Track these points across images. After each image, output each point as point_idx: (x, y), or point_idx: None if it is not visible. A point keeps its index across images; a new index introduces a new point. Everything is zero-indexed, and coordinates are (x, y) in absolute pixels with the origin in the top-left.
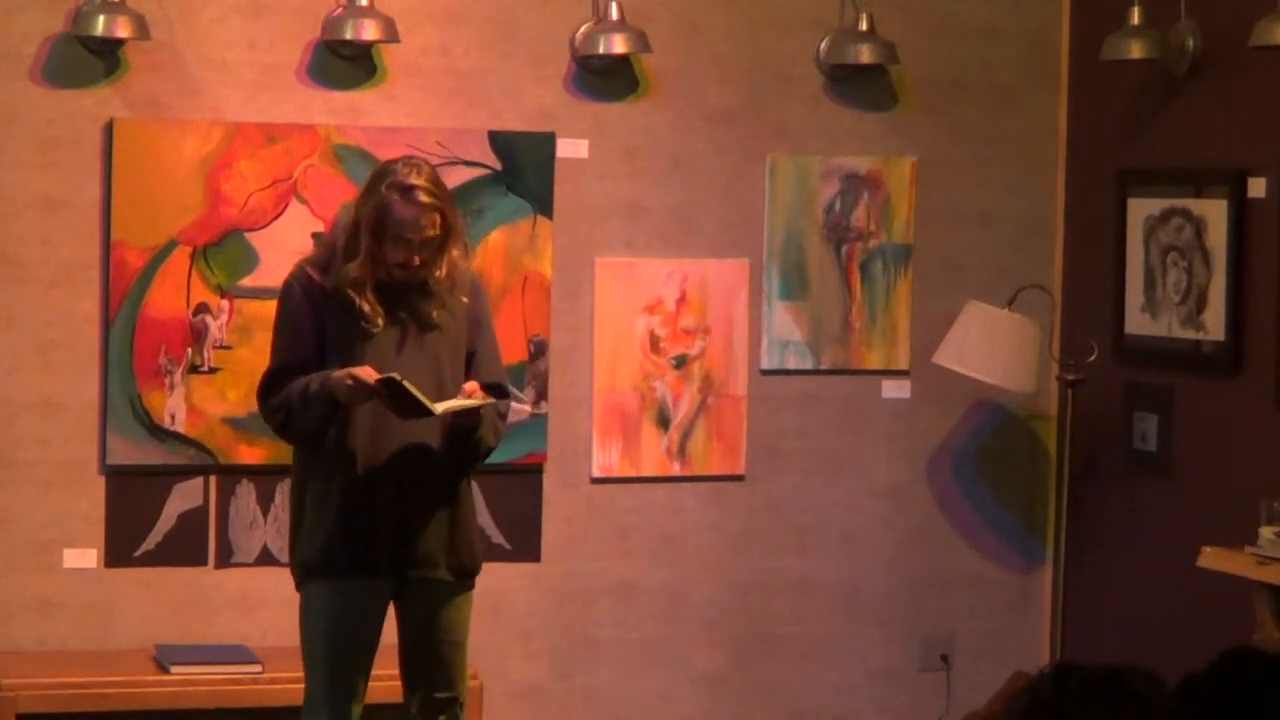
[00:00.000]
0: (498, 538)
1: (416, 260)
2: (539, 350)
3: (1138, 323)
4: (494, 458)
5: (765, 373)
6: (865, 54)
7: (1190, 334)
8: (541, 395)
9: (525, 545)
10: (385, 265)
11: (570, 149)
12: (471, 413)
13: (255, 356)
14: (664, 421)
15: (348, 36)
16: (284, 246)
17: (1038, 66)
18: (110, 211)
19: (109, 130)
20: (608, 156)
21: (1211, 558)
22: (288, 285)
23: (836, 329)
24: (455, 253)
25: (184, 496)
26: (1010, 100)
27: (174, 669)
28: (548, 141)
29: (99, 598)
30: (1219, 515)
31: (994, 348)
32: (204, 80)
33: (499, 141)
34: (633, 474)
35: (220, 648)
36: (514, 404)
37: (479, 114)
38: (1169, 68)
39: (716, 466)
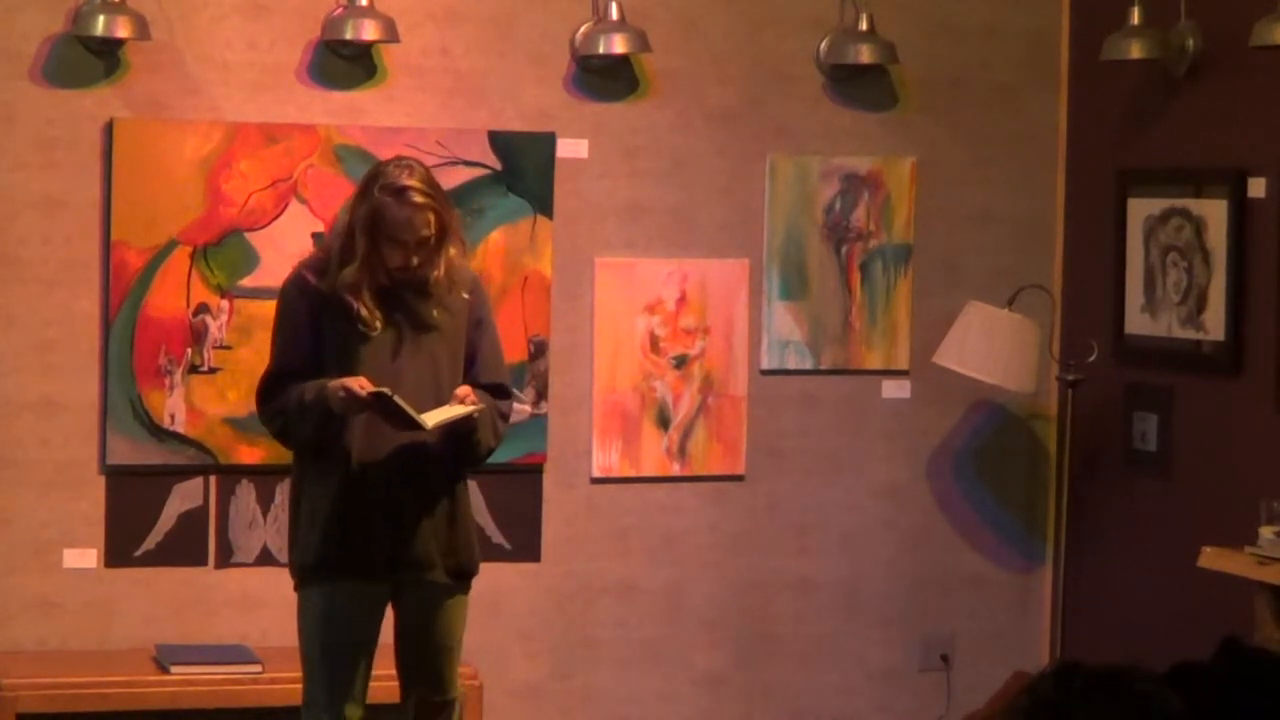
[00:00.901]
0: (498, 538)
1: (414, 261)
2: (539, 350)
3: (1138, 323)
4: (494, 458)
5: (765, 373)
6: (865, 54)
7: (1190, 334)
8: (541, 395)
9: (525, 545)
10: (382, 268)
11: (570, 149)
12: (466, 419)
13: (255, 356)
14: (664, 421)
15: (348, 36)
16: (284, 246)
17: (1038, 66)
18: (110, 211)
19: (109, 130)
20: (608, 156)
21: (1211, 558)
22: (285, 289)
23: (836, 329)
24: (453, 251)
25: (184, 496)
26: (1010, 100)
27: (174, 669)
28: (548, 141)
29: (99, 598)
30: (1219, 515)
31: (994, 348)
32: (204, 80)
33: (499, 141)
34: (633, 474)
35: (220, 648)
36: (515, 404)
37: (479, 114)
38: (1169, 68)
39: (716, 466)
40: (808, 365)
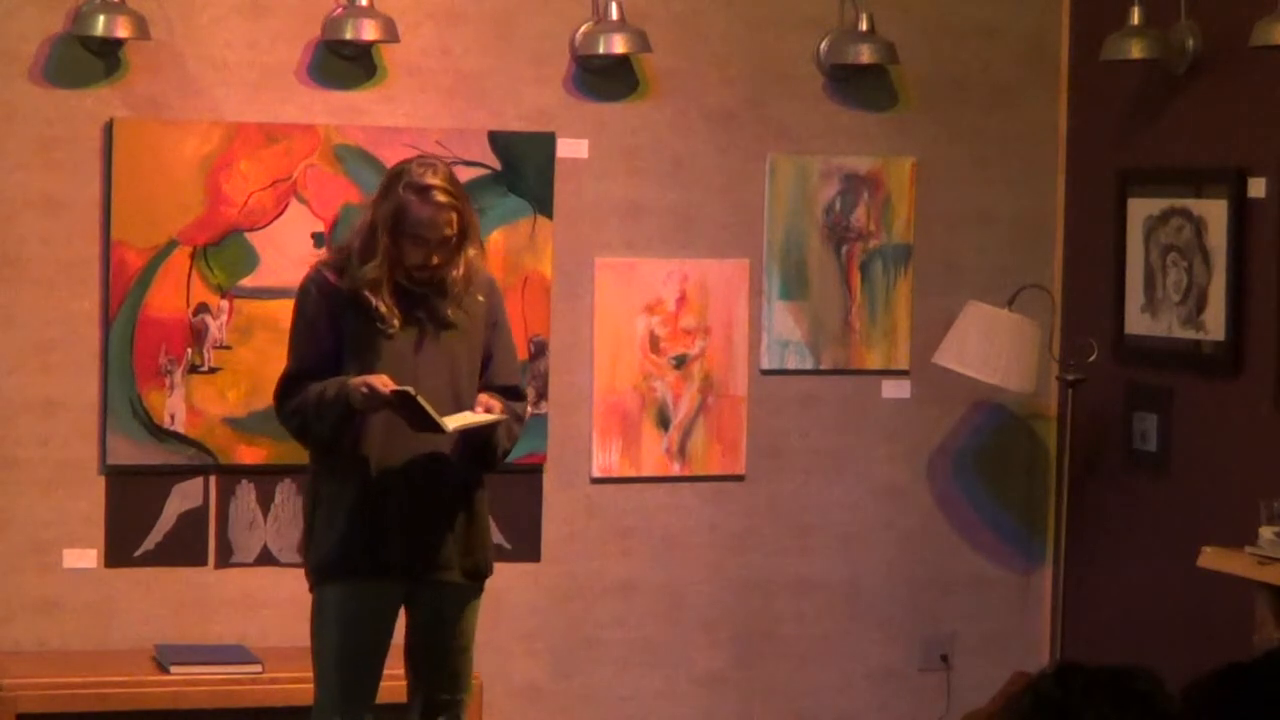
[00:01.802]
0: (498, 538)
1: (434, 260)
2: (539, 350)
3: (1138, 323)
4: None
5: (765, 373)
6: (865, 54)
7: (1190, 334)
8: (541, 395)
9: (525, 545)
10: (402, 266)
11: (570, 149)
12: (485, 426)
13: (255, 356)
14: (664, 421)
15: (348, 36)
16: (284, 246)
17: (1038, 66)
18: (110, 211)
19: (109, 130)
20: (608, 156)
21: (1211, 558)
22: (304, 287)
23: (836, 329)
24: (472, 252)
25: (184, 496)
26: (1010, 100)
27: (174, 669)
28: (548, 141)
29: (99, 598)
30: (1219, 515)
31: (994, 348)
32: (204, 80)
33: (499, 141)
34: (633, 474)
35: (220, 648)
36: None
37: (479, 114)
38: (1169, 68)
39: (716, 466)
40: (808, 365)
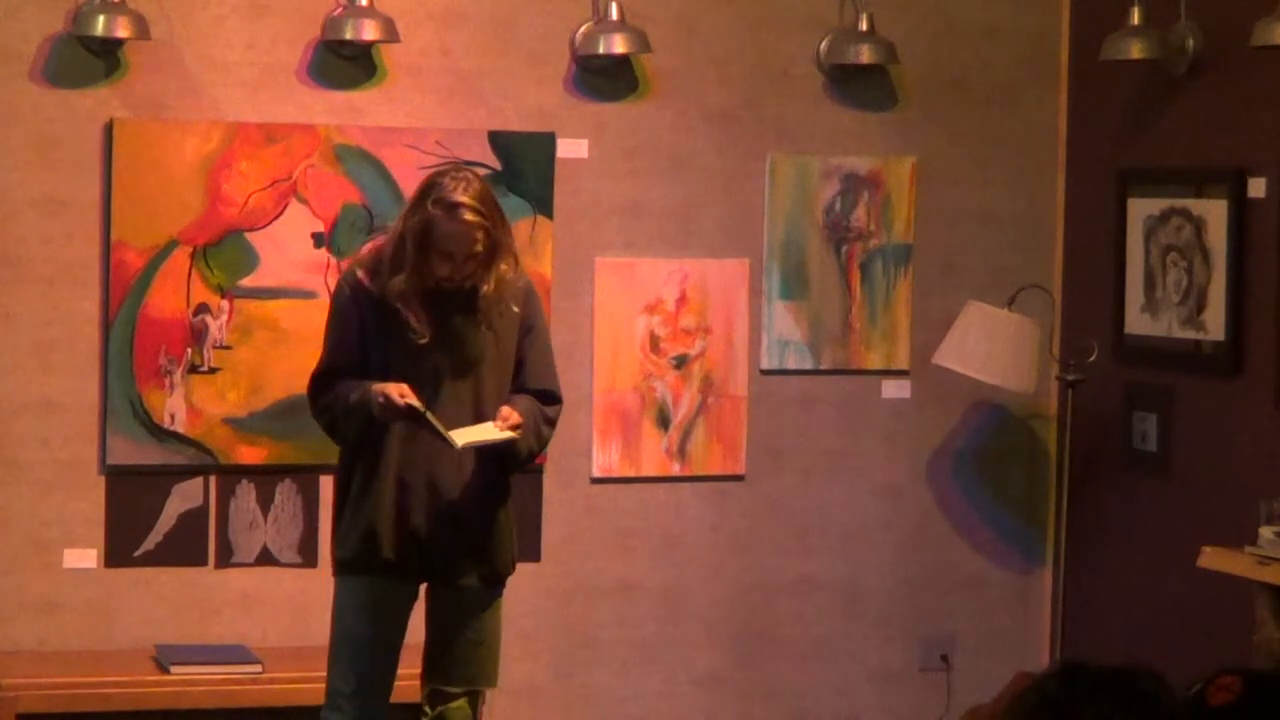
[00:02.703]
0: None
1: (462, 274)
2: None
3: (1138, 323)
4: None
5: (765, 373)
6: (865, 54)
7: (1190, 334)
8: None
9: (525, 545)
10: (432, 277)
11: (570, 149)
12: (499, 444)
13: (255, 356)
14: (664, 421)
15: (348, 36)
16: (284, 246)
17: (1038, 66)
18: (110, 211)
19: (109, 130)
20: (608, 156)
21: (1211, 558)
22: (338, 286)
23: (836, 329)
24: (504, 267)
25: (184, 496)
26: (1010, 100)
27: (174, 669)
28: (548, 141)
29: (99, 598)
30: (1219, 515)
31: (994, 348)
32: (204, 80)
33: (499, 141)
34: (633, 474)
35: (220, 648)
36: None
37: (479, 114)
38: (1169, 68)
39: (716, 466)
40: (808, 365)
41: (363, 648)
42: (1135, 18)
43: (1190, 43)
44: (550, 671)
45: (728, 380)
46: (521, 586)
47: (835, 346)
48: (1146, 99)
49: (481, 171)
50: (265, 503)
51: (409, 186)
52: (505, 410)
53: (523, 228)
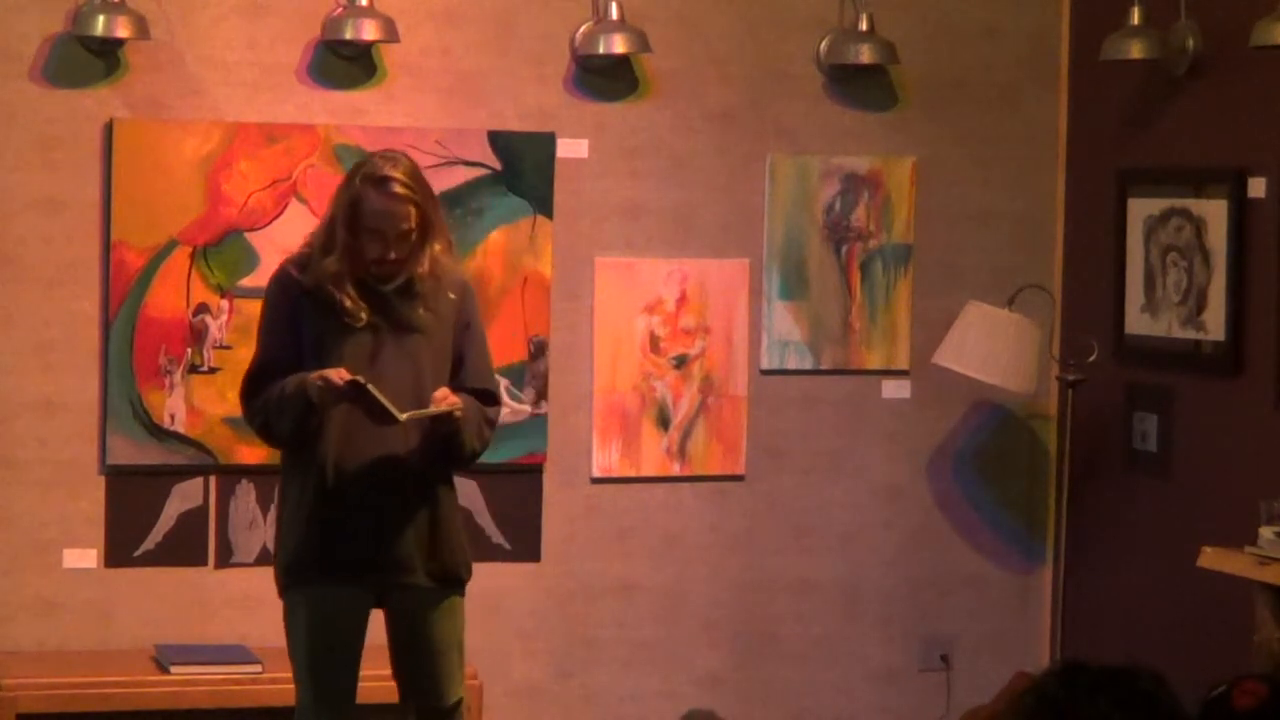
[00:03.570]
0: (498, 538)
1: (392, 255)
2: (539, 350)
3: (1138, 323)
4: (494, 457)
5: (765, 373)
6: (865, 54)
7: (1190, 334)
8: (541, 395)
9: (525, 545)
10: (363, 261)
11: (570, 149)
12: (445, 419)
13: None
14: (664, 421)
15: (348, 36)
16: (284, 246)
17: (1038, 66)
18: (110, 211)
19: (109, 130)
20: (608, 156)
21: (1211, 558)
22: (269, 285)
23: (836, 329)
24: (437, 248)
25: (184, 496)
26: (1010, 100)
27: (174, 669)
28: (548, 141)
29: (99, 598)
30: (1219, 515)
31: (994, 348)
32: (204, 80)
33: (499, 141)
34: (633, 474)
35: (220, 648)
36: (513, 403)
37: (479, 114)
38: (1169, 68)
39: (716, 466)
40: (808, 365)
41: (321, 661)
42: (1135, 18)
43: (1190, 43)
44: (550, 671)
45: (728, 380)
46: (521, 586)
47: (835, 346)
48: (1146, 99)
49: (481, 171)
50: (265, 503)
51: None
52: (441, 392)
53: (523, 228)
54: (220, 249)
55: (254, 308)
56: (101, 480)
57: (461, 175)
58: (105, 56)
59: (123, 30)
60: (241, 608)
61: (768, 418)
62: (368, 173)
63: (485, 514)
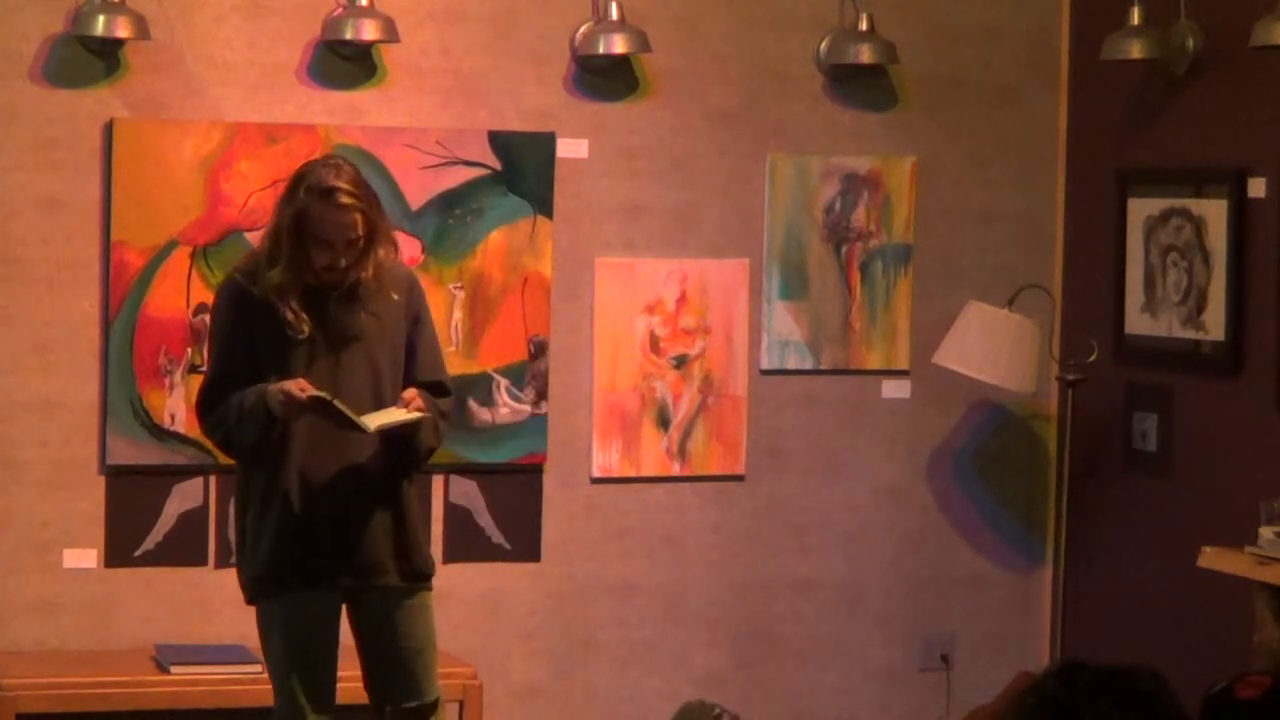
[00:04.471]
0: (498, 538)
1: (341, 263)
2: (539, 350)
3: (1138, 323)
4: (494, 458)
5: (765, 373)
6: (865, 54)
7: (1190, 334)
8: (541, 395)
9: (525, 545)
10: (310, 270)
11: (570, 149)
12: (410, 424)
13: None
14: (664, 421)
15: (348, 36)
16: None
17: (1038, 66)
18: (110, 211)
19: (109, 130)
20: (608, 156)
21: (1211, 558)
22: (217, 294)
23: (836, 329)
24: (382, 252)
25: (184, 496)
26: (1010, 100)
27: (174, 669)
28: (548, 141)
29: (99, 598)
30: (1219, 515)
31: (994, 348)
32: (204, 80)
33: (499, 141)
34: (633, 474)
35: (220, 648)
36: (513, 403)
37: (479, 114)
38: (1169, 68)
39: (716, 466)
40: (808, 365)
41: (297, 669)
42: (1135, 18)
43: (1190, 43)
44: (550, 671)
45: (728, 380)
46: (521, 586)
47: (835, 346)
48: (1146, 99)
49: (481, 171)
50: None
51: (409, 186)
52: (409, 394)
53: (523, 228)
54: (220, 249)
55: None
56: (101, 480)
57: (461, 175)
58: (105, 56)
59: (123, 30)
60: (241, 608)
61: (768, 418)
62: (312, 184)
63: (485, 514)
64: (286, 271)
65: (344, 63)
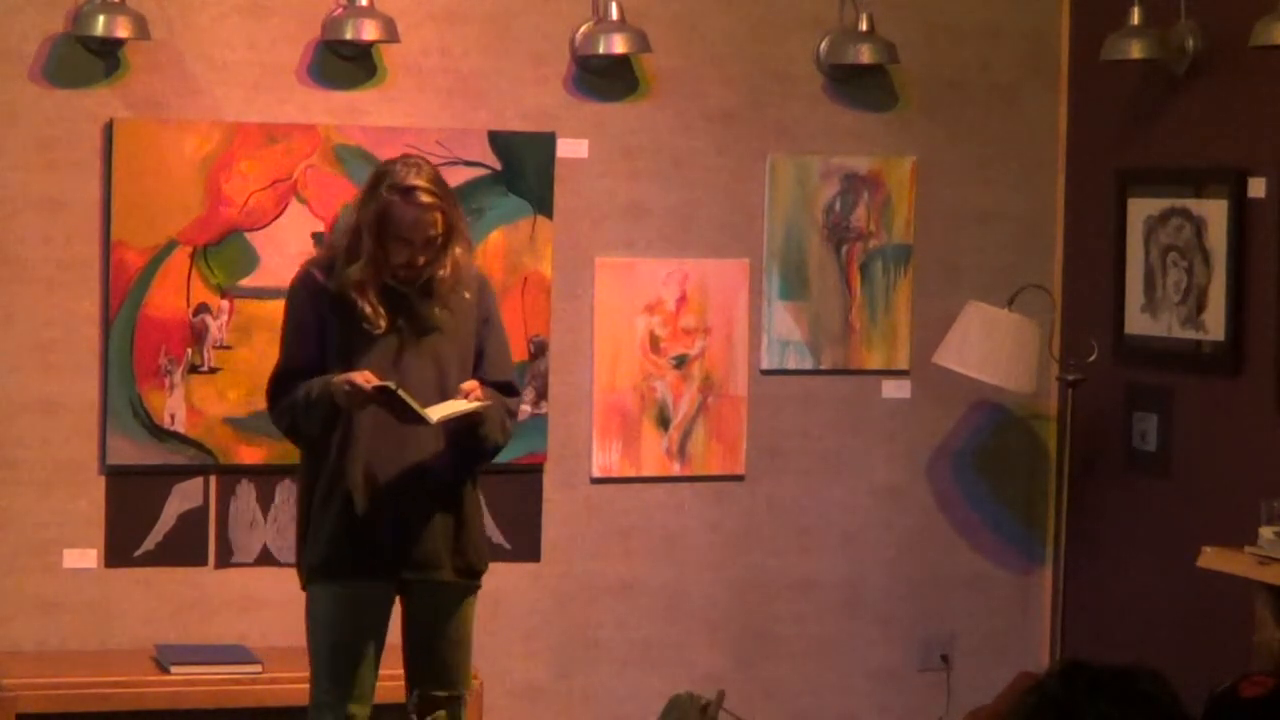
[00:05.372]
0: (498, 538)
1: (420, 260)
2: (539, 350)
3: (1138, 323)
4: (495, 457)
5: (765, 373)
6: (865, 54)
7: (1190, 334)
8: (541, 395)
9: (525, 545)
10: (388, 267)
11: (570, 149)
12: (472, 415)
13: (255, 357)
14: (664, 421)
15: (348, 36)
16: (284, 246)
17: (1038, 66)
18: (110, 211)
19: (109, 130)
20: (608, 156)
21: (1211, 558)
22: (293, 287)
23: (836, 329)
24: (458, 250)
25: (184, 496)
26: (1010, 100)
27: (174, 669)
28: (548, 141)
29: (99, 598)
30: (1219, 515)
31: (994, 348)
32: (204, 80)
33: (499, 141)
34: (633, 474)
35: (220, 648)
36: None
37: (479, 114)
38: (1169, 68)
39: (716, 466)
40: (808, 365)
41: (342, 657)
42: (1135, 18)
43: (1190, 43)
44: (550, 671)
45: (728, 380)
46: (521, 586)
47: (835, 346)
48: (1146, 99)
49: (481, 171)
50: (265, 502)
51: None
52: (469, 384)
53: (523, 228)
54: (220, 249)
55: (254, 308)
56: (101, 480)
57: (462, 175)
58: (105, 56)
59: (123, 30)
60: (241, 608)
61: (768, 418)
62: (394, 182)
63: (485, 514)
64: (367, 267)
65: (344, 63)
